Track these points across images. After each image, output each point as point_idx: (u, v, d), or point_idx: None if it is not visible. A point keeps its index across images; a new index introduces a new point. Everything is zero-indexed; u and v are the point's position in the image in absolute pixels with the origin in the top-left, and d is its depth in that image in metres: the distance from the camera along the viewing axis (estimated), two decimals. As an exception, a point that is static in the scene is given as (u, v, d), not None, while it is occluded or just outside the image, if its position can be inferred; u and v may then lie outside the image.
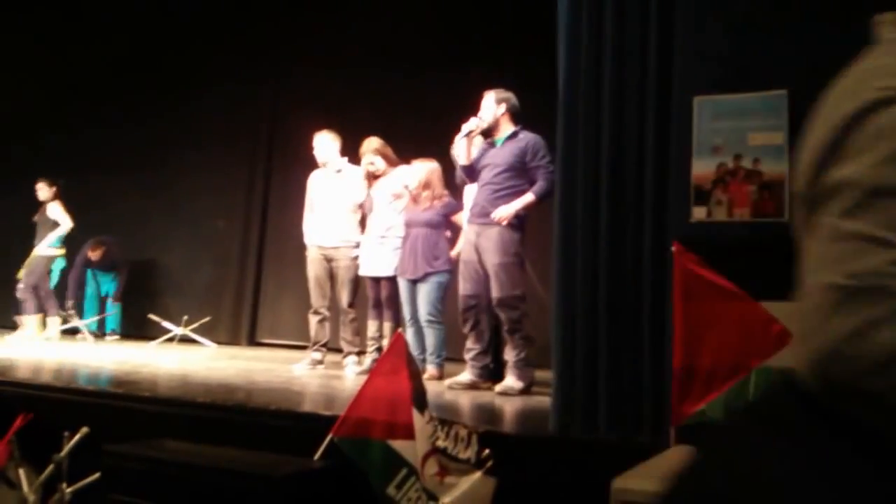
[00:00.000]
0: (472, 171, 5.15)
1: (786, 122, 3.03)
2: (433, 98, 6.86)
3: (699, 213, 3.12)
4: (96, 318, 8.36)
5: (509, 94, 5.09)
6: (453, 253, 5.60)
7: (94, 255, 8.24)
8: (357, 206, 6.04)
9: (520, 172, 4.92)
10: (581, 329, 3.34)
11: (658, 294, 3.16)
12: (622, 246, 3.30)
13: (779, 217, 2.99)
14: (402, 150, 5.99)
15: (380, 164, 5.92)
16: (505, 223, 4.84)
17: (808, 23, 3.06)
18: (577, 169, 3.43)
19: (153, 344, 7.68)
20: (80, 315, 8.21)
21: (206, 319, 7.98)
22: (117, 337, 8.31)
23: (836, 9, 3.01)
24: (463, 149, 5.12)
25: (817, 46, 3.02)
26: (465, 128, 5.08)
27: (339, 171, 6.09)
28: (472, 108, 5.19)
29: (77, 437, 3.44)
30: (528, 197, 4.87)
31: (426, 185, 5.62)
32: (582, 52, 3.47)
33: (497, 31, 6.81)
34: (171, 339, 7.83)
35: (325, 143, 6.08)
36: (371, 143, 5.93)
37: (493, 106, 5.06)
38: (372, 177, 5.98)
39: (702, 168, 3.14)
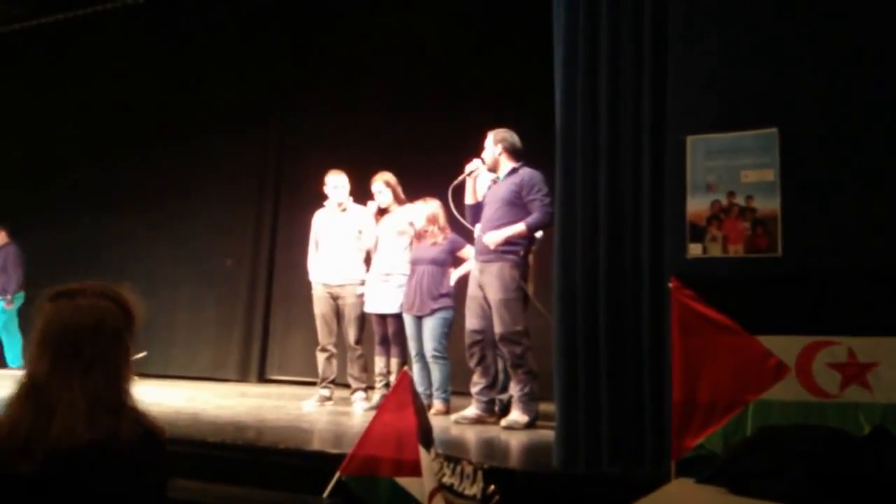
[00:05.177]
0: (478, 210, 5.25)
1: (777, 159, 3.11)
2: (438, 138, 6.95)
3: (695, 249, 3.19)
4: None
5: (507, 133, 5.17)
6: (451, 281, 5.67)
7: None
8: (362, 244, 6.10)
9: (517, 207, 5.00)
10: (583, 364, 3.40)
11: (657, 329, 3.22)
12: (621, 282, 3.37)
13: (772, 253, 3.06)
14: (407, 189, 6.07)
15: (387, 196, 5.99)
16: (493, 246, 4.92)
17: (797, 63, 3.15)
18: (576, 207, 3.51)
19: None
20: None
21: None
22: None
23: (824, 50, 3.11)
24: (469, 189, 5.25)
25: (806, 86, 3.12)
26: (468, 168, 5.24)
27: (344, 209, 6.16)
28: (476, 148, 5.30)
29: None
30: (519, 226, 4.94)
31: (432, 223, 5.71)
32: (578, 94, 3.57)
33: (498, 73, 6.92)
34: None
35: (342, 183, 6.14)
36: (384, 175, 6.01)
37: (491, 146, 5.17)
38: (378, 213, 6.06)
39: (696, 206, 3.21)
